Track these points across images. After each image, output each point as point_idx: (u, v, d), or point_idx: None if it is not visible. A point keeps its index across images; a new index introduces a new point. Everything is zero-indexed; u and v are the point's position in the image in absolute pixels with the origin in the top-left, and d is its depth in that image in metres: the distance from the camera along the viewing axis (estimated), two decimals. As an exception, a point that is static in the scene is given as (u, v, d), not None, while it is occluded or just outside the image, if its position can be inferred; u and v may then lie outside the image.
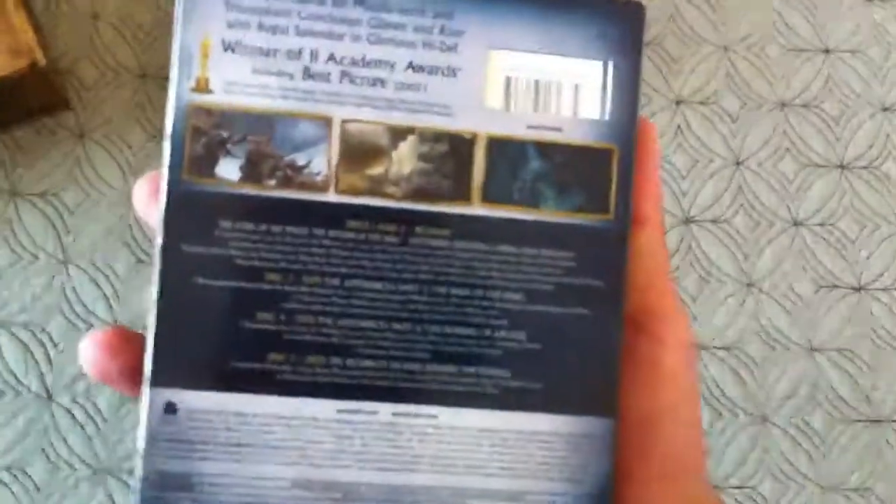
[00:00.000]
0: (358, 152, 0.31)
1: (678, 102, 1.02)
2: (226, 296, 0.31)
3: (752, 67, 1.04)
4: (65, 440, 0.86)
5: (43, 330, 0.88)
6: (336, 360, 0.31)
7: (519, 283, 0.32)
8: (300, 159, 0.31)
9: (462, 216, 0.32)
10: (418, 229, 0.32)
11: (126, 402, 0.87)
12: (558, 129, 0.32)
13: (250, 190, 0.31)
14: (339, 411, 0.31)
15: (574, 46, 0.32)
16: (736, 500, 0.90)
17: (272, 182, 0.31)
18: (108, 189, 0.93)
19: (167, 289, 0.31)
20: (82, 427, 0.86)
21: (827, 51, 1.05)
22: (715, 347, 0.94)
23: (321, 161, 0.31)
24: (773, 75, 1.04)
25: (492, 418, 0.32)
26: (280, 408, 0.31)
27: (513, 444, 0.32)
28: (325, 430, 0.31)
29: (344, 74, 0.31)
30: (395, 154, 0.31)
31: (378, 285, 0.31)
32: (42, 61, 0.86)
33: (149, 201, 0.32)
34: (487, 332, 0.32)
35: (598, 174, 0.32)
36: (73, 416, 0.87)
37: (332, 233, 0.31)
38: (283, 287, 0.31)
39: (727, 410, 0.92)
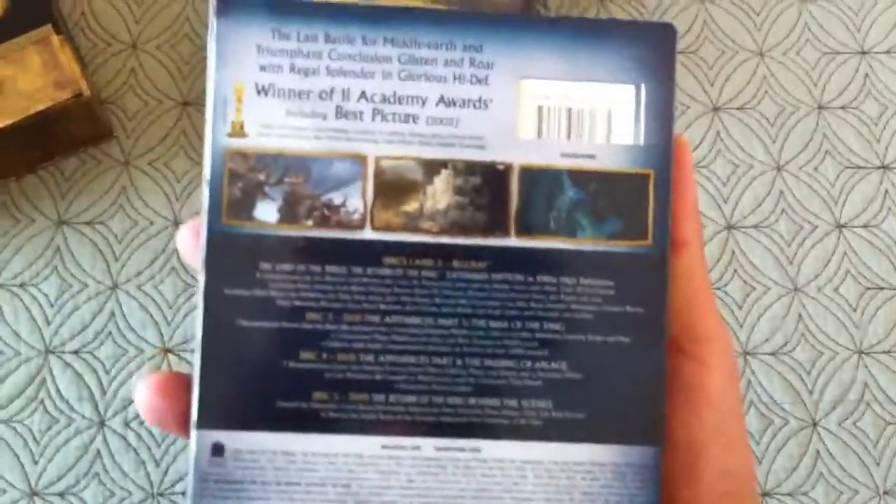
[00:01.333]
0: (393, 189, 0.32)
1: (716, 109, 1.01)
2: (268, 337, 0.31)
3: (789, 72, 1.04)
4: (118, 465, 0.87)
5: (94, 356, 0.90)
6: (379, 397, 0.32)
7: (559, 313, 0.32)
8: (336, 198, 0.32)
9: (499, 248, 0.32)
10: (456, 263, 0.32)
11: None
12: (592, 157, 0.32)
13: (288, 231, 0.32)
14: (384, 447, 0.32)
15: (605, 72, 0.32)
16: (789, 506, 0.89)
17: (309, 222, 0.32)
18: (155, 216, 0.94)
19: (210, 332, 0.31)
20: (135, 451, 0.87)
21: (863, 52, 1.05)
22: (762, 353, 0.93)
23: (357, 199, 0.32)
24: (810, 79, 1.03)
25: (535, 450, 0.32)
26: (325, 446, 0.31)
27: (557, 475, 0.32)
28: (371, 467, 0.31)
29: (376, 112, 0.32)
30: (429, 189, 0.32)
31: (417, 320, 0.32)
32: (87, 91, 0.87)
33: (192, 247, 0.32)
34: (528, 364, 0.32)
35: (634, 200, 0.32)
36: (125, 441, 0.88)
37: (370, 270, 0.32)
38: (324, 326, 0.31)
39: (776, 416, 0.91)
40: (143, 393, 0.32)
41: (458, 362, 0.32)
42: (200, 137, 0.97)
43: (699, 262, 0.33)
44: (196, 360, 0.31)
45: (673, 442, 0.32)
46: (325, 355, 0.31)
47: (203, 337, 0.31)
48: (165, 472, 0.87)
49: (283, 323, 0.31)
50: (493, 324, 0.32)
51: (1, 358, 0.89)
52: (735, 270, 0.96)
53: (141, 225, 0.94)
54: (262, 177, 0.31)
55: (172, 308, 0.92)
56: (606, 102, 0.32)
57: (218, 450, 0.31)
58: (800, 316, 0.95)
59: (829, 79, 1.04)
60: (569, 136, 0.32)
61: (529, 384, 0.32)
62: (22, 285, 0.91)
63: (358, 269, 0.32)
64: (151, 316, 0.91)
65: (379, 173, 0.32)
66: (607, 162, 0.32)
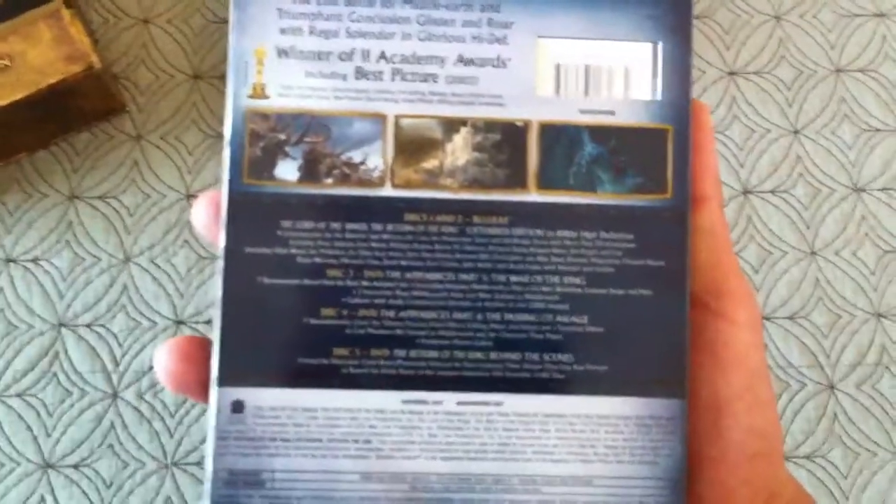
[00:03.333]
0: (412, 147, 0.32)
1: (732, 74, 1.00)
2: (289, 294, 0.31)
3: (806, 35, 1.02)
4: (132, 436, 0.87)
5: (107, 329, 0.90)
6: (400, 352, 0.31)
7: (579, 267, 0.32)
8: (356, 157, 0.32)
9: (519, 203, 0.32)
10: (476, 219, 0.32)
11: (190, 395, 0.88)
12: (611, 113, 0.32)
13: (309, 189, 0.32)
14: (405, 402, 0.31)
15: (622, 29, 0.33)
16: (807, 469, 0.88)
17: (330, 180, 0.32)
18: (167, 189, 0.94)
19: (232, 290, 0.31)
20: (149, 422, 0.88)
21: (881, 14, 1.03)
22: (779, 318, 0.92)
23: (377, 157, 0.32)
24: (827, 42, 1.02)
25: (558, 403, 0.32)
26: (346, 401, 0.31)
27: (581, 428, 0.32)
28: (392, 422, 0.31)
29: (396, 72, 0.32)
30: (449, 146, 0.32)
31: (438, 276, 0.32)
32: (97, 65, 0.87)
33: (208, 219, 0.32)
34: (549, 318, 0.32)
35: (653, 154, 0.32)
36: (139, 412, 0.88)
37: (390, 226, 0.32)
38: (345, 282, 0.31)
39: (794, 380, 0.90)
40: (163, 357, 0.32)
41: (479, 317, 0.32)
42: (212, 111, 0.97)
43: (720, 219, 0.33)
44: (217, 318, 0.31)
45: (698, 400, 0.32)
46: (345, 311, 0.31)
47: (224, 295, 0.31)
48: (179, 443, 0.87)
49: (304, 280, 0.31)
50: (513, 278, 0.32)
51: (14, 332, 0.90)
52: (752, 235, 0.95)
53: (153, 198, 0.94)
54: (282, 136, 0.32)
55: (185, 280, 0.92)
56: (624, 60, 0.32)
57: (238, 407, 0.31)
58: (817, 280, 0.94)
59: (847, 42, 1.02)
60: (587, 92, 0.32)
61: (551, 338, 0.32)
62: (35, 260, 0.92)
63: (378, 226, 0.32)
64: (164, 289, 0.91)
65: (399, 132, 0.32)
66: (626, 117, 0.32)
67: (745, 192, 0.96)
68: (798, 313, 0.92)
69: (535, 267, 0.32)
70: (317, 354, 0.31)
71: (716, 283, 0.32)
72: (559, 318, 0.32)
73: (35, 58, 0.87)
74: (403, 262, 0.32)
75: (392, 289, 0.31)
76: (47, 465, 0.86)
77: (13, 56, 0.87)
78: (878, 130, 0.99)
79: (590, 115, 0.32)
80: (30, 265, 0.92)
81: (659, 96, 0.32)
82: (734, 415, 0.31)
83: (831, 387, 0.91)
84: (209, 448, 0.31)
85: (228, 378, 0.31)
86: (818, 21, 1.03)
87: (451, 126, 0.32)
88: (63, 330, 0.90)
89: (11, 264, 0.92)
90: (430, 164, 0.32)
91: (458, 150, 0.32)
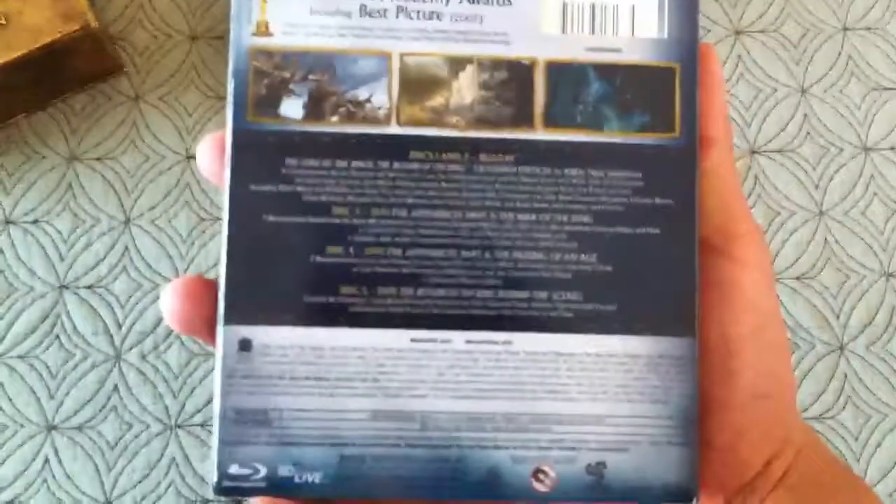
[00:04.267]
0: (418, 84, 0.32)
1: (738, 33, 1.00)
2: (295, 232, 0.31)
3: (813, -7, 1.02)
4: (135, 398, 0.87)
5: (108, 291, 0.89)
6: (407, 291, 0.31)
7: (587, 206, 0.32)
8: (361, 94, 0.32)
9: (526, 141, 0.32)
10: (483, 156, 0.32)
11: (194, 357, 0.88)
12: (618, 51, 0.32)
13: (314, 127, 0.31)
14: (413, 340, 0.31)
15: None
16: (817, 430, 0.88)
17: (335, 118, 0.31)
18: (166, 150, 0.93)
19: (237, 228, 0.31)
20: (152, 384, 0.87)
21: (890, -29, 1.02)
22: (787, 279, 0.92)
23: (382, 95, 0.32)
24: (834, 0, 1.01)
25: (568, 342, 0.31)
26: (354, 340, 0.31)
27: (591, 367, 0.31)
28: (400, 361, 0.31)
29: (400, 10, 0.32)
30: (455, 84, 0.32)
31: (445, 214, 0.31)
32: (94, 25, 0.86)
33: (212, 160, 0.32)
34: (557, 256, 0.32)
35: (661, 93, 0.32)
36: (142, 374, 0.87)
37: (396, 164, 0.31)
38: (352, 220, 0.31)
39: (803, 341, 0.90)
40: (169, 297, 0.31)
41: (487, 255, 0.31)
42: (211, 71, 0.96)
43: (728, 161, 0.33)
44: (222, 256, 0.31)
45: (708, 341, 0.32)
46: (352, 249, 0.31)
47: (229, 233, 0.31)
48: (183, 405, 0.87)
49: (310, 218, 0.31)
50: (521, 216, 0.31)
51: (15, 294, 0.89)
52: (759, 195, 0.94)
53: (152, 160, 0.93)
54: (286, 74, 0.31)
55: (186, 242, 0.91)
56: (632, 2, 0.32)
57: (245, 345, 0.31)
58: (825, 240, 0.93)
59: None
60: (593, 30, 0.32)
61: (559, 276, 0.31)
62: (35, 222, 0.91)
63: (384, 164, 0.31)
64: (165, 250, 0.91)
65: (404, 69, 0.32)
66: (633, 55, 0.32)
67: (753, 151, 0.95)
68: (806, 274, 0.92)
69: (543, 205, 0.32)
70: (323, 292, 0.31)
71: (724, 225, 0.32)
72: (567, 257, 0.32)
73: (31, 16, 0.86)
74: (410, 200, 0.31)
75: (398, 227, 0.31)
76: (51, 427, 0.86)
77: (9, 15, 0.86)
78: (886, 89, 0.98)
79: (596, 52, 0.32)
80: (30, 227, 0.91)
81: (666, 34, 0.32)
82: (743, 356, 0.31)
83: (841, 348, 0.90)
84: (217, 387, 0.31)
85: (235, 316, 0.31)
86: (825, -21, 1.02)
87: (457, 64, 0.32)
88: (64, 292, 0.89)
89: (11, 226, 0.91)
90: (436, 101, 0.32)
91: (464, 88, 0.32)
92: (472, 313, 0.31)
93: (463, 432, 0.31)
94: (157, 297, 0.89)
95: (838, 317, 0.91)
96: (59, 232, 0.91)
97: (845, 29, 1.00)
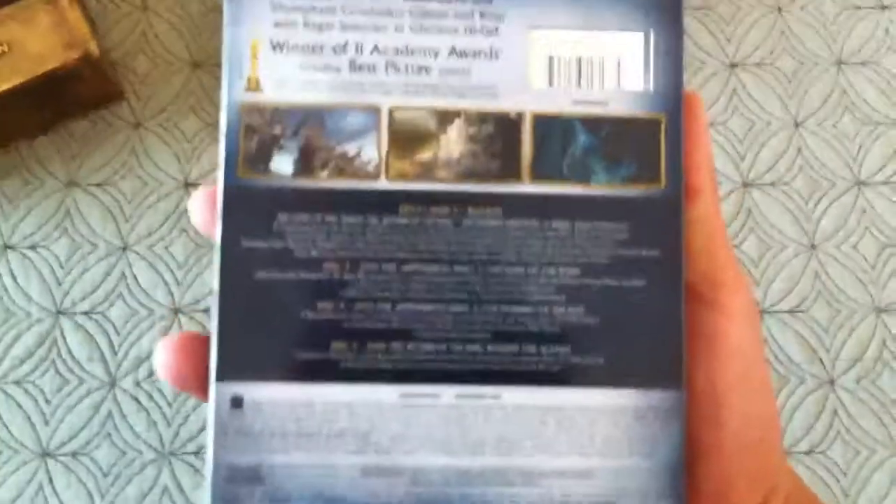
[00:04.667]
0: (407, 139, 0.32)
1: (733, 66, 1.00)
2: (286, 288, 0.31)
3: (807, 27, 1.02)
4: (130, 425, 0.87)
5: (105, 317, 0.90)
6: (397, 346, 0.31)
7: (574, 258, 0.32)
8: (351, 149, 0.32)
9: (513, 194, 0.32)
10: (471, 210, 0.32)
11: (188, 384, 0.88)
12: (604, 103, 0.32)
13: (304, 182, 0.31)
14: (403, 396, 0.31)
15: (613, 20, 0.33)
16: (806, 465, 0.88)
17: (325, 173, 0.32)
18: (165, 176, 0.94)
19: (228, 284, 0.31)
20: (147, 411, 0.87)
21: (883, 7, 1.03)
22: (778, 311, 0.92)
23: (371, 149, 0.32)
24: (828, 33, 1.02)
25: (556, 395, 0.32)
26: (345, 395, 0.31)
27: (578, 420, 0.31)
28: (390, 416, 0.31)
29: (389, 64, 0.32)
30: (443, 138, 0.32)
31: (434, 268, 0.32)
32: (95, 52, 0.87)
33: (204, 213, 0.32)
34: (545, 309, 0.32)
35: (646, 144, 0.32)
36: (137, 401, 0.88)
37: (385, 219, 0.32)
38: (342, 276, 0.31)
39: (793, 375, 0.90)
40: (163, 353, 0.32)
41: (476, 309, 0.31)
42: (210, 98, 0.97)
43: (714, 210, 0.33)
44: (214, 312, 0.31)
45: (695, 390, 0.32)
46: (342, 305, 0.31)
47: (221, 289, 0.31)
48: (177, 432, 0.87)
49: (301, 274, 0.31)
50: (509, 269, 0.32)
51: (12, 319, 0.90)
52: (751, 228, 0.94)
53: (151, 186, 0.94)
54: (277, 130, 0.32)
55: (183, 269, 0.91)
56: (616, 50, 0.32)
57: (237, 402, 0.31)
58: (817, 273, 0.93)
59: (849, 34, 1.02)
60: (580, 83, 0.32)
61: (547, 329, 0.31)
62: (33, 247, 0.92)
63: (374, 219, 0.31)
64: (162, 277, 0.91)
65: (393, 124, 0.32)
66: (619, 108, 0.32)
67: (745, 184, 0.96)
68: (798, 307, 0.92)
69: (531, 258, 0.32)
70: (314, 348, 0.31)
71: (711, 274, 0.32)
72: (555, 310, 0.32)
73: (33, 44, 0.87)
74: (399, 255, 0.31)
75: (388, 281, 0.31)
76: (45, 454, 0.86)
77: (11, 42, 0.87)
78: (879, 123, 0.98)
79: (583, 105, 0.32)
80: (28, 252, 0.91)
81: (651, 86, 0.32)
82: (731, 404, 0.31)
83: (831, 382, 0.91)
84: (209, 443, 0.31)
85: (227, 373, 0.31)
86: (819, 13, 1.02)
87: (445, 118, 0.32)
88: (61, 317, 0.90)
89: (9, 251, 0.91)
90: (425, 155, 0.32)
91: (453, 142, 0.32)
92: (461, 367, 0.31)
93: (453, 487, 0.31)
94: (153, 324, 0.90)
95: (829, 351, 0.91)
96: (57, 257, 0.91)
97: (839, 63, 1.01)
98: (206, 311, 0.90)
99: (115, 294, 0.90)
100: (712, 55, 1.00)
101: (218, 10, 1.00)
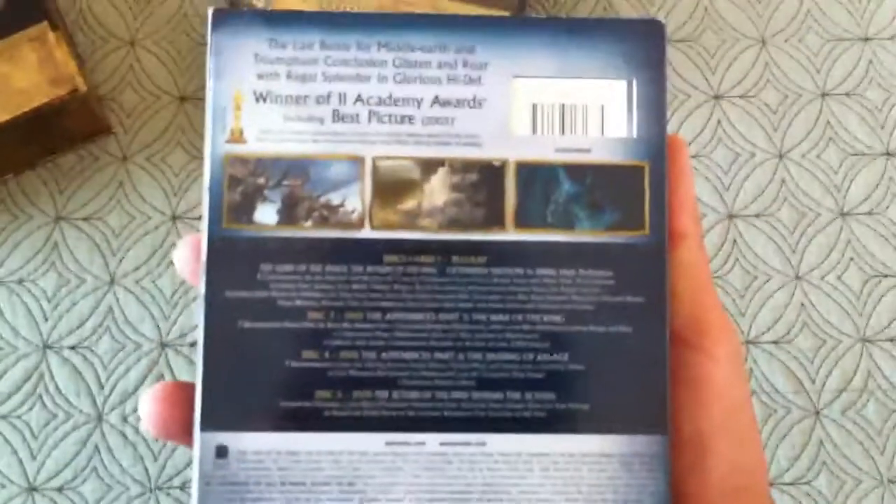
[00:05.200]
0: (390, 188, 0.32)
1: (717, 97, 1.01)
2: (270, 337, 0.32)
3: (791, 59, 1.03)
4: (116, 459, 0.87)
5: (92, 351, 0.90)
6: (382, 394, 0.32)
7: (559, 305, 0.32)
8: (335, 199, 0.32)
9: (497, 242, 0.32)
10: (455, 258, 0.32)
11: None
12: (587, 151, 0.33)
13: (288, 232, 0.32)
14: (388, 444, 0.31)
15: (596, 68, 0.33)
16: (791, 496, 0.88)
17: (309, 223, 0.32)
18: (152, 211, 0.94)
19: (212, 334, 0.32)
20: (133, 446, 0.87)
21: (867, 38, 1.04)
22: (764, 342, 0.92)
23: (355, 199, 0.32)
24: (812, 66, 1.02)
25: (541, 442, 0.32)
26: (329, 444, 0.31)
27: (564, 467, 0.32)
28: (376, 464, 0.31)
29: (372, 114, 0.32)
30: (426, 187, 0.32)
31: (419, 316, 0.32)
32: (83, 88, 0.87)
33: (189, 262, 0.32)
34: (530, 356, 0.32)
35: (630, 191, 0.32)
36: (124, 436, 0.88)
37: (370, 268, 0.32)
38: (326, 325, 0.32)
39: (779, 406, 0.90)
40: (147, 403, 0.32)
41: (461, 357, 0.32)
42: (198, 132, 0.97)
43: (699, 254, 0.33)
44: (199, 362, 0.31)
45: (680, 436, 0.32)
46: (327, 354, 0.31)
47: (205, 339, 0.31)
48: (163, 467, 0.87)
49: (285, 323, 0.31)
50: (493, 317, 0.32)
51: (-1, 354, 0.89)
52: (737, 259, 0.95)
53: (138, 220, 0.94)
54: (261, 181, 0.32)
55: (170, 303, 0.91)
56: (599, 98, 0.33)
57: (222, 451, 0.31)
58: (802, 304, 0.94)
59: (833, 66, 1.03)
60: (563, 131, 0.33)
61: (532, 376, 0.32)
62: (20, 281, 0.92)
63: (358, 268, 0.32)
64: (149, 311, 0.91)
65: (376, 173, 0.32)
66: (602, 155, 0.32)
67: (730, 215, 0.96)
68: (783, 338, 0.92)
69: (515, 305, 0.32)
70: (299, 397, 0.31)
71: (696, 319, 0.32)
72: (540, 357, 0.32)
73: (20, 80, 0.87)
74: (384, 304, 0.32)
75: (373, 330, 0.32)
76: (32, 488, 0.86)
77: (-1, 78, 0.87)
78: (863, 154, 0.99)
79: (566, 153, 0.32)
80: (15, 286, 0.91)
81: (634, 133, 0.33)
82: (716, 450, 0.31)
83: (816, 413, 0.91)
84: (194, 493, 0.31)
85: (212, 422, 0.31)
86: (804, 45, 1.03)
87: (429, 167, 0.32)
88: (48, 352, 0.90)
89: (-4, 286, 0.92)
90: (409, 204, 0.32)
91: (436, 191, 0.32)
92: (447, 415, 0.31)
93: None
94: (140, 358, 0.89)
95: (814, 381, 0.91)
96: (44, 291, 0.91)
97: (823, 95, 1.01)
98: (193, 345, 0.90)
99: (102, 328, 0.90)
100: (697, 87, 1.01)
101: (206, 44, 1.00)
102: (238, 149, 0.32)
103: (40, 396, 0.88)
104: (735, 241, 0.95)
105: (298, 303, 0.31)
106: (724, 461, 0.31)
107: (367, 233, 0.32)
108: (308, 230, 0.32)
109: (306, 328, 0.31)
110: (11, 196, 0.94)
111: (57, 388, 0.88)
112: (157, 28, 1.01)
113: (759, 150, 0.99)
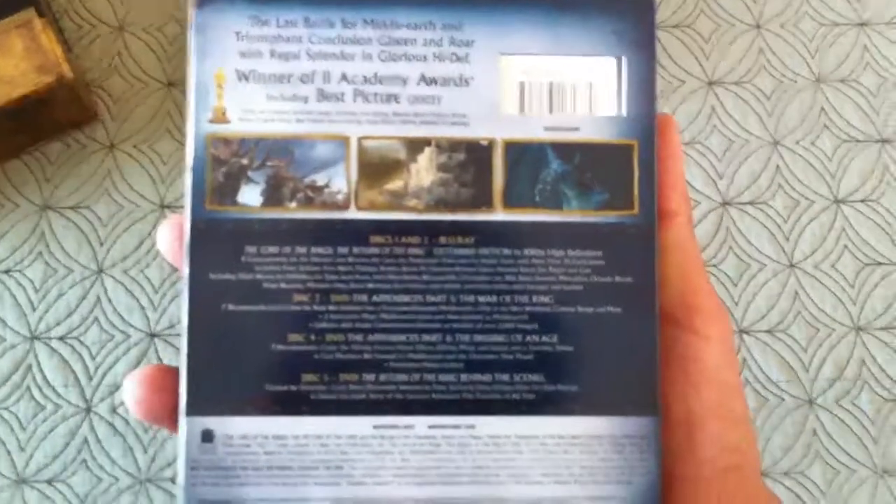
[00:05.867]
0: (376, 168, 0.32)
1: (711, 84, 1.00)
2: (255, 320, 0.31)
3: (786, 45, 1.02)
4: (105, 451, 0.86)
5: (80, 342, 0.89)
6: (369, 377, 0.31)
7: (547, 286, 0.32)
8: (320, 179, 0.32)
9: (485, 223, 0.32)
10: (442, 239, 0.32)
11: (164, 410, 0.87)
12: (576, 129, 0.32)
13: (273, 213, 0.31)
14: (376, 427, 0.31)
15: (585, 45, 0.32)
16: (785, 486, 0.88)
17: (293, 204, 0.31)
18: (140, 199, 0.93)
19: (197, 317, 0.31)
20: (123, 437, 0.87)
21: (862, 24, 1.03)
22: (757, 331, 0.92)
23: (340, 179, 0.32)
24: (807, 52, 1.02)
25: (530, 424, 0.31)
26: (317, 428, 0.31)
27: (554, 449, 0.31)
28: (363, 448, 0.31)
29: (357, 93, 0.32)
30: (413, 167, 0.32)
31: (406, 298, 0.31)
32: (69, 75, 0.86)
33: (172, 244, 0.32)
34: (519, 338, 0.31)
35: (619, 170, 0.32)
36: (113, 427, 0.87)
37: (356, 249, 0.31)
38: (312, 307, 0.31)
39: (772, 395, 0.90)
40: (132, 387, 0.31)
41: (449, 339, 0.31)
42: (186, 120, 0.96)
43: (688, 234, 0.33)
44: (183, 346, 0.31)
45: (671, 416, 0.32)
46: (313, 337, 0.31)
47: (189, 323, 0.31)
48: (153, 458, 0.87)
49: (270, 306, 0.31)
50: (481, 298, 0.31)
51: (-14, 345, 0.89)
52: (730, 247, 0.94)
53: (126, 209, 0.93)
54: (244, 161, 0.31)
55: (158, 293, 0.91)
56: (588, 76, 0.32)
57: (208, 436, 0.31)
58: (796, 293, 0.93)
59: (828, 51, 1.02)
60: (551, 109, 0.32)
61: (521, 358, 0.31)
62: (7, 271, 0.91)
63: (344, 249, 0.31)
64: (138, 300, 0.90)
65: (362, 153, 0.32)
66: (591, 133, 0.32)
67: (724, 203, 0.96)
68: (777, 327, 0.92)
69: (504, 286, 0.31)
70: (285, 381, 0.31)
71: (685, 299, 0.32)
72: (529, 338, 0.31)
73: (6, 68, 0.86)
74: (370, 286, 0.31)
75: (359, 312, 0.31)
76: (21, 481, 0.86)
77: (-16, 65, 0.86)
78: (857, 141, 0.98)
79: (554, 132, 0.32)
80: (2, 276, 0.91)
81: (624, 111, 0.32)
82: (707, 431, 0.31)
83: (810, 402, 0.91)
84: (180, 478, 0.31)
85: (197, 407, 0.31)
86: (798, 30, 1.02)
87: (415, 146, 0.32)
88: (36, 343, 0.89)
89: (-18, 276, 0.91)
90: (395, 185, 0.32)
91: (423, 171, 0.32)
92: (435, 398, 0.31)
93: None
94: (129, 349, 0.89)
95: (808, 370, 0.91)
96: (32, 281, 0.91)
97: (818, 81, 1.01)
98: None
99: (90, 318, 0.90)
100: (691, 73, 1.00)
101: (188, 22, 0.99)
102: (221, 129, 0.31)
103: (28, 388, 0.88)
104: (729, 228, 0.95)
105: (283, 285, 0.31)
106: (714, 441, 0.31)
107: (352, 213, 0.31)
108: (293, 211, 0.31)
109: (292, 311, 0.31)
110: (-2, 185, 0.93)
111: (45, 379, 0.88)
112: (145, 13, 1.00)
113: (753, 136, 0.98)
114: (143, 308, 0.90)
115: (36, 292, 0.90)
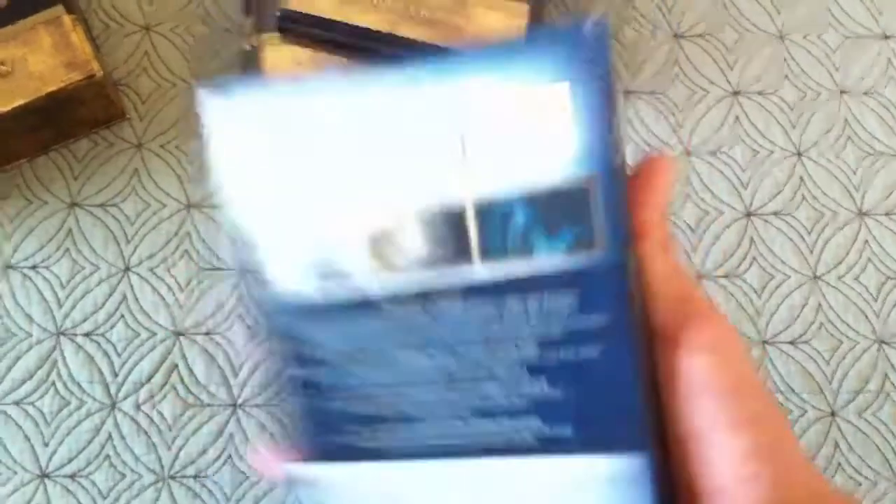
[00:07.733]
0: (378, 246, 0.33)
1: (735, 94, 1.00)
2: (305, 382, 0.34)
3: (810, 56, 1.02)
4: (129, 447, 0.87)
5: (106, 339, 0.89)
6: (396, 426, 0.33)
7: (530, 333, 0.32)
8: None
9: (468, 278, 0.32)
10: (434, 297, 0.32)
11: (189, 408, 0.88)
12: (537, 174, 0.31)
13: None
14: (388, 472, 0.33)
15: (535, 80, 0.31)
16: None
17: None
18: (167, 198, 0.94)
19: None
20: (146, 434, 0.87)
21: (886, 36, 1.03)
22: (780, 342, 0.92)
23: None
24: (831, 63, 1.02)
25: (534, 465, 0.32)
26: (344, 474, 0.34)
27: (556, 489, 0.32)
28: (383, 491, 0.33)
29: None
30: (398, 234, 0.32)
31: (413, 354, 0.33)
32: (99, 73, 0.87)
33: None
34: (513, 385, 0.32)
35: (580, 207, 0.31)
36: (136, 423, 0.87)
37: (372, 321, 0.33)
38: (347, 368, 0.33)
39: (795, 407, 0.90)
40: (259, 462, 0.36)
41: (453, 392, 0.32)
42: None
43: (664, 248, 0.32)
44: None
45: (676, 436, 0.31)
46: (341, 395, 0.33)
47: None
48: (176, 456, 0.87)
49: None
50: (475, 349, 0.32)
51: (13, 340, 0.89)
52: (754, 258, 0.95)
53: (153, 207, 0.93)
54: None
55: (184, 291, 0.91)
56: (541, 113, 0.31)
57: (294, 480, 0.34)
58: (819, 305, 0.94)
59: (852, 63, 1.02)
60: (512, 160, 0.31)
61: (517, 403, 0.32)
62: (34, 267, 0.91)
63: (364, 321, 0.33)
64: (163, 298, 0.91)
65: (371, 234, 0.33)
66: (551, 176, 0.31)
67: (748, 214, 0.96)
68: (800, 338, 0.92)
69: (492, 337, 0.32)
70: (330, 432, 0.34)
71: (673, 313, 0.32)
72: (521, 385, 0.32)
73: (35, 64, 0.86)
74: (385, 346, 0.33)
75: (375, 372, 0.33)
76: (44, 475, 0.86)
77: (13, 62, 0.86)
78: (882, 154, 0.99)
79: (518, 181, 0.31)
80: (29, 272, 0.91)
81: (580, 146, 0.31)
82: (712, 442, 0.31)
83: (832, 414, 0.91)
84: None
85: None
86: (823, 42, 1.03)
87: (401, 217, 0.32)
88: (62, 339, 0.89)
89: (10, 271, 0.91)
90: (388, 251, 0.32)
91: (408, 237, 0.32)
92: (447, 443, 0.32)
93: None
94: (154, 347, 0.89)
95: (831, 382, 0.91)
96: (58, 278, 0.91)
97: (842, 93, 1.01)
98: (207, 334, 0.90)
99: (116, 316, 0.90)
100: (716, 83, 1.01)
101: (221, 30, 1.00)
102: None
103: (53, 383, 0.88)
104: (753, 239, 0.95)
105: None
106: (725, 451, 0.31)
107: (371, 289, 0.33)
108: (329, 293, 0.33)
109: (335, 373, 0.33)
110: (26, 181, 0.94)
111: (70, 375, 0.88)
112: (173, 13, 1.00)
113: (777, 147, 0.98)
114: (168, 306, 0.91)
115: (63, 288, 0.91)
